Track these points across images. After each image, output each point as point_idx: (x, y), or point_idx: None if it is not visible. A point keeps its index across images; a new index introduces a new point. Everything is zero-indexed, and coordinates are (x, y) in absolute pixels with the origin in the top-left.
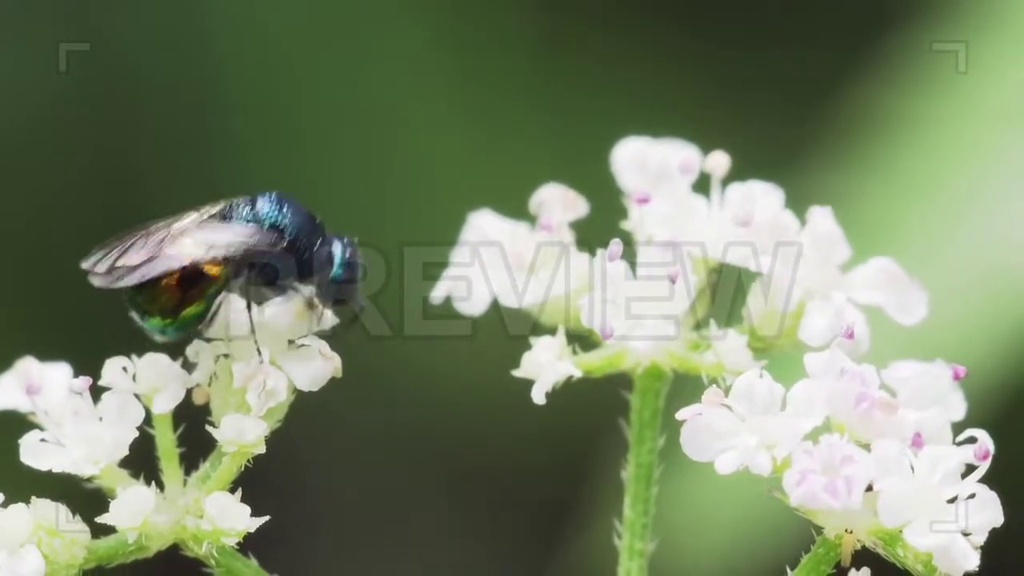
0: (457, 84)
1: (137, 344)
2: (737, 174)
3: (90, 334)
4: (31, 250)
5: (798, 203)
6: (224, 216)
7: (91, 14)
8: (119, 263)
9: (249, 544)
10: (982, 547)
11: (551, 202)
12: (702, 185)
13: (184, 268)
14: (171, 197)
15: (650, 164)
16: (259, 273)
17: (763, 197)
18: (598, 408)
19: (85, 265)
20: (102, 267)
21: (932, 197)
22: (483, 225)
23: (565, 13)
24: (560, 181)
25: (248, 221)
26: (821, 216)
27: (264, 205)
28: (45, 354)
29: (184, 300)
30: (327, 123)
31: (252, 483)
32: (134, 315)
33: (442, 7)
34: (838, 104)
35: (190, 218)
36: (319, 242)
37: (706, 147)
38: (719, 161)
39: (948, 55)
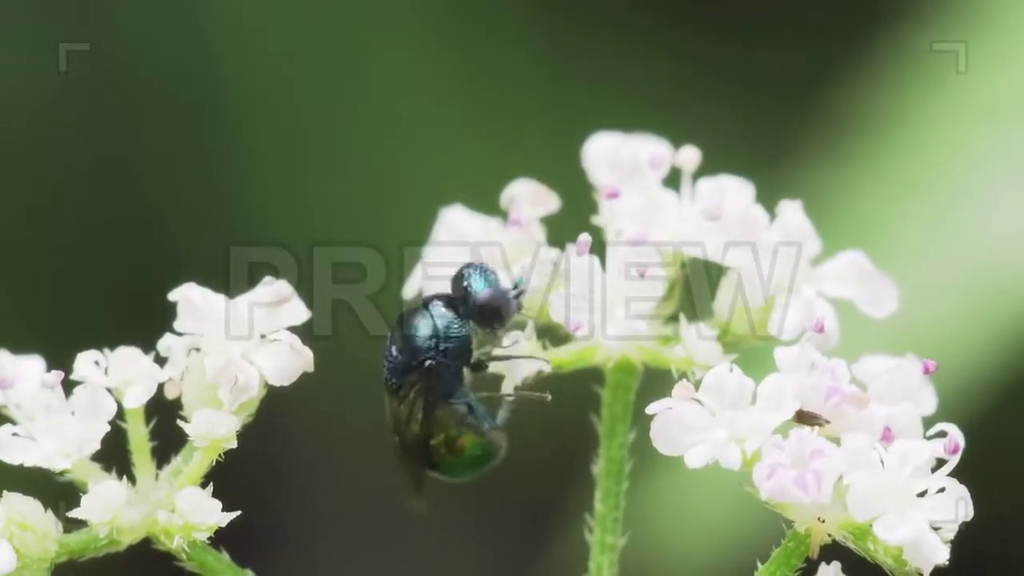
0: (458, 83)
1: (109, 338)
2: (735, 172)
3: (87, 332)
4: (30, 249)
5: (792, 200)
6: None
7: (91, 14)
8: None
9: (248, 544)
10: (952, 541)
11: (521, 197)
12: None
13: None
14: (171, 197)
15: (621, 159)
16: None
17: (733, 192)
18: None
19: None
20: None
21: (919, 194)
22: (455, 221)
23: (565, 11)
24: (561, 179)
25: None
26: (791, 210)
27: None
28: (36, 350)
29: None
30: (327, 123)
31: (252, 483)
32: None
33: (443, 5)
34: (833, 102)
35: None
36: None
37: (706, 145)
38: (689, 156)
39: (943, 55)
